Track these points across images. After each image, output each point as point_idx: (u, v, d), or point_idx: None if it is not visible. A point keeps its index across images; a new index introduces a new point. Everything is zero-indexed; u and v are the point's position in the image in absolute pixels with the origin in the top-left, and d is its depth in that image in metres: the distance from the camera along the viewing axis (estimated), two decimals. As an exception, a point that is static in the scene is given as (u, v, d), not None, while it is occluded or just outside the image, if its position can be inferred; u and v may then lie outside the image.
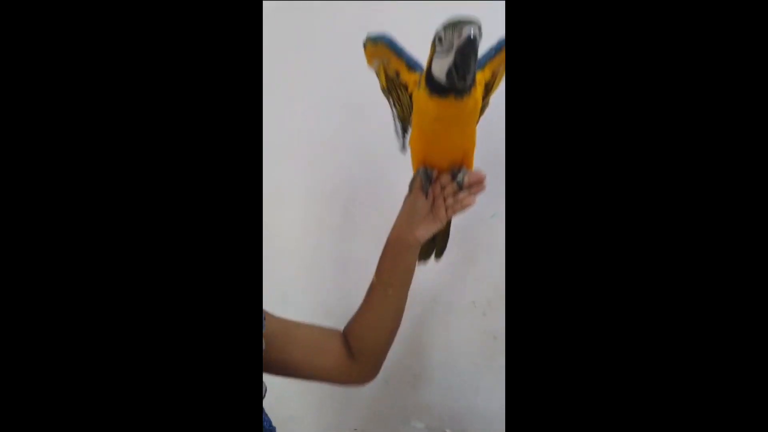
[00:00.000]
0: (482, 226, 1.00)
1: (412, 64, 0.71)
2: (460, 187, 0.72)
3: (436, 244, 0.86)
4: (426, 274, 1.03)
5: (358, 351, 0.78)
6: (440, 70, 0.59)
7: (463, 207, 0.74)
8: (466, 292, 1.04)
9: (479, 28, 0.57)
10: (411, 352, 1.09)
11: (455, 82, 0.59)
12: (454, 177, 0.73)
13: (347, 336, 0.80)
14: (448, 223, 0.84)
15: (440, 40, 0.58)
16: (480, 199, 0.99)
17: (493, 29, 0.80)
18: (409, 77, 0.72)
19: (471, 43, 0.56)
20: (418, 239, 0.75)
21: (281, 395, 0.89)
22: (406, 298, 0.78)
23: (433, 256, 0.87)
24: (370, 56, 0.74)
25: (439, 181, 0.74)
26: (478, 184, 0.73)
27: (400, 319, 0.79)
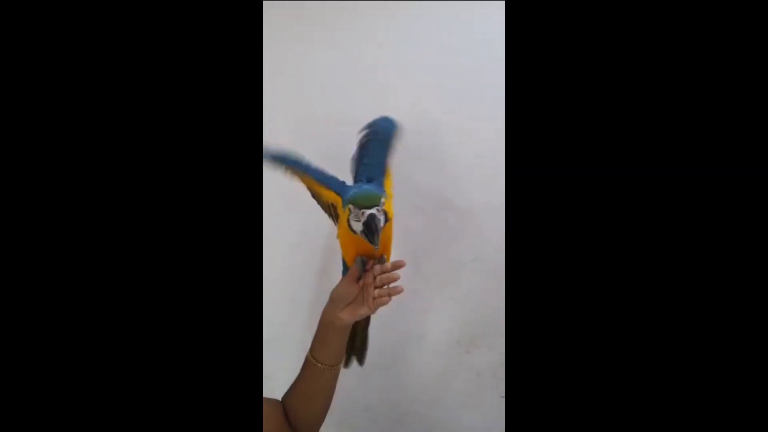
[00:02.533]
0: (464, 269, 1.08)
1: (321, 180, 0.89)
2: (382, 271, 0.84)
3: (355, 351, 0.96)
4: (413, 314, 1.09)
5: (293, 420, 0.85)
6: (356, 228, 0.78)
7: (382, 303, 0.83)
8: (451, 332, 1.11)
9: (378, 209, 0.76)
10: (398, 390, 1.14)
11: (367, 240, 0.78)
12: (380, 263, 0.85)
13: (285, 406, 0.86)
14: (366, 325, 0.96)
15: (351, 209, 0.77)
16: (462, 244, 1.07)
17: (493, 29, 0.96)
18: (323, 192, 0.89)
19: (370, 222, 0.75)
20: (344, 321, 0.83)
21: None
22: (337, 374, 0.86)
23: (355, 361, 0.97)
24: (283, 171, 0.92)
25: (372, 270, 0.84)
26: (397, 268, 0.84)
27: (331, 393, 0.87)
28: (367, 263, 0.84)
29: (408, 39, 1.12)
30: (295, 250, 1.18)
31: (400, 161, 1.11)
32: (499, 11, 0.88)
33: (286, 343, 1.19)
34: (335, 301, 0.84)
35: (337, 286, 0.86)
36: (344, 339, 0.85)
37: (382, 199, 0.77)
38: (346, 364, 0.95)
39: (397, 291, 0.83)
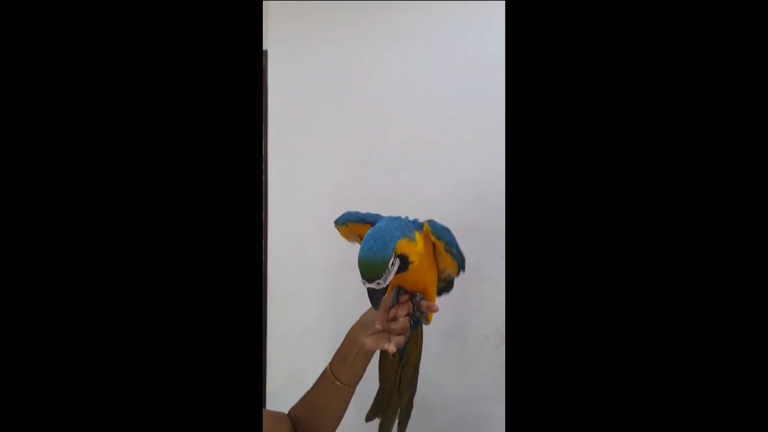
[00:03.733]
0: (493, 266, 1.10)
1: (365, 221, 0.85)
2: (416, 309, 0.81)
3: (400, 420, 0.94)
4: (442, 309, 1.11)
5: None
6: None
7: (394, 347, 0.76)
8: (480, 327, 1.13)
9: (378, 282, 0.70)
10: (427, 384, 1.16)
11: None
12: (413, 299, 0.82)
13: (292, 419, 0.82)
14: (410, 400, 0.94)
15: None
16: (491, 243, 1.09)
17: (493, 29, 1.00)
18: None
19: (369, 295, 0.72)
20: (367, 347, 0.78)
21: None
22: (351, 394, 0.82)
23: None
24: (347, 236, 0.89)
25: (405, 304, 0.81)
26: (429, 310, 0.82)
27: (342, 411, 0.82)
28: (401, 295, 0.81)
29: (408, 40, 1.15)
30: (332, 245, 1.22)
31: (430, 160, 1.14)
32: (499, 11, 0.89)
33: (319, 335, 1.24)
34: (363, 324, 0.81)
35: (369, 311, 0.83)
36: (366, 363, 0.81)
37: (388, 265, 0.69)
38: (385, 429, 0.92)
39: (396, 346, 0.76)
